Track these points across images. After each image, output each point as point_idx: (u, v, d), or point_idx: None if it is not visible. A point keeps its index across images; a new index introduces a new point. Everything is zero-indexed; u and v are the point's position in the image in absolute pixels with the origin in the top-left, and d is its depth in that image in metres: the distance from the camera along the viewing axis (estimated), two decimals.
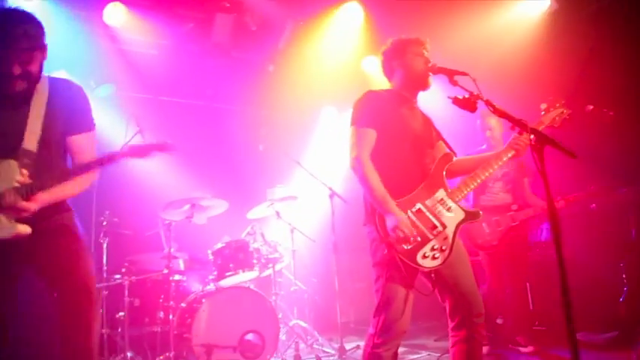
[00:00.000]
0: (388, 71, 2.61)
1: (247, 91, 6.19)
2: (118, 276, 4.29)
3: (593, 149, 4.14)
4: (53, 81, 2.24)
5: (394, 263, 2.25)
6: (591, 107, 3.24)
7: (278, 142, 5.00)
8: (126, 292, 4.15)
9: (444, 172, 2.43)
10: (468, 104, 2.11)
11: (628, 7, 4.48)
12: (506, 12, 5.15)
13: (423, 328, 5.46)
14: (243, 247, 4.26)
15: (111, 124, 5.35)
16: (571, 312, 1.81)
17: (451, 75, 2.24)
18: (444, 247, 2.29)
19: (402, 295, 2.30)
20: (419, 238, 2.25)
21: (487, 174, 2.43)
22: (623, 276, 4.21)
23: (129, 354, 3.95)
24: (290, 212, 5.00)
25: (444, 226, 2.32)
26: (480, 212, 2.43)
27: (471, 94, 2.12)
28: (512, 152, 2.41)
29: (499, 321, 4.46)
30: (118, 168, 4.49)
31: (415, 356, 4.34)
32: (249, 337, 3.88)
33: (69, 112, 2.21)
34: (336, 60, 6.08)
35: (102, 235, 4.20)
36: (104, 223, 4.25)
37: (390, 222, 2.24)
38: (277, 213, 4.74)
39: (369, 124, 2.39)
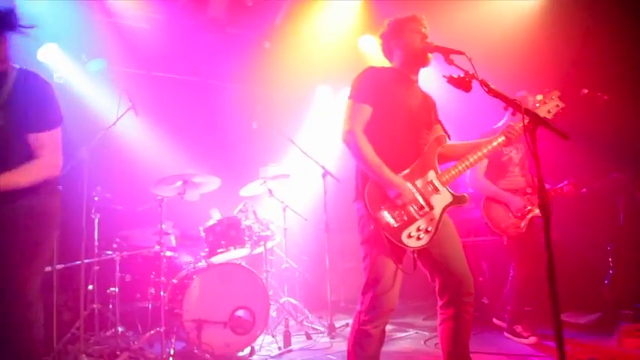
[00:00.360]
0: (388, 52, 2.61)
1: (242, 68, 6.12)
2: (109, 252, 4.30)
3: (586, 133, 4.15)
4: (21, 73, 2.19)
5: (381, 240, 2.27)
6: (586, 91, 3.25)
7: (272, 120, 4.96)
8: (117, 268, 4.15)
9: (436, 154, 2.44)
10: (462, 83, 2.10)
11: None
12: None
13: (411, 307, 5.54)
14: (235, 225, 4.27)
15: (102, 100, 5.32)
16: (557, 293, 1.84)
17: (447, 53, 2.23)
18: (429, 228, 2.31)
19: (389, 272, 2.32)
20: (405, 217, 2.28)
21: (476, 157, 2.44)
22: (610, 259, 4.27)
23: (120, 329, 3.97)
24: (282, 190, 5.00)
25: (431, 208, 2.34)
26: (467, 196, 2.44)
27: (466, 73, 2.11)
28: (503, 139, 2.44)
29: (485, 301, 4.54)
30: (111, 143, 4.51)
31: (403, 334, 4.41)
32: (240, 313, 3.91)
33: (30, 108, 2.17)
34: (332, 38, 6.03)
35: (93, 210, 4.17)
36: (96, 199, 4.22)
37: (391, 191, 2.26)
38: (270, 191, 4.74)
39: (365, 100, 2.39)
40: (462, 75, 2.11)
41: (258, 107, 4.94)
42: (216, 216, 4.69)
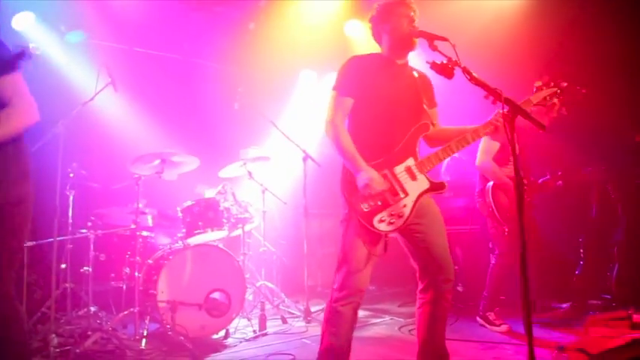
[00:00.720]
0: (377, 36, 2.62)
1: (226, 47, 6.02)
2: (84, 230, 4.22)
3: (563, 125, 4.20)
4: None
5: (354, 222, 2.35)
6: (565, 84, 3.28)
7: (254, 102, 4.90)
8: (91, 247, 4.08)
9: (418, 141, 2.45)
10: (445, 70, 2.09)
11: None
12: None
13: (387, 293, 5.61)
14: (213, 206, 4.23)
15: (80, 73, 5.18)
16: (528, 282, 1.87)
17: (431, 39, 2.22)
18: (401, 214, 2.35)
19: (360, 254, 2.38)
20: (379, 202, 2.33)
21: (461, 148, 2.45)
22: (581, 250, 4.38)
23: (92, 309, 3.92)
24: (262, 173, 4.97)
25: (406, 194, 2.38)
26: (446, 183, 2.46)
27: (449, 59, 2.10)
28: (491, 128, 2.43)
29: (459, 288, 4.61)
30: (88, 118, 4.41)
31: (378, 320, 4.46)
32: (216, 295, 3.89)
33: None
34: (318, 22, 5.95)
35: (68, 187, 4.09)
36: (71, 175, 4.14)
37: (360, 180, 2.31)
38: (249, 173, 4.70)
39: (347, 93, 2.46)
40: (445, 62, 2.11)
41: (241, 88, 4.86)
42: (205, 192, 4.64)
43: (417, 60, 2.51)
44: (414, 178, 2.39)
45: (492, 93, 2.00)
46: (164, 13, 5.54)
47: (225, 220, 4.26)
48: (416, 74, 2.61)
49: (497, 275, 3.93)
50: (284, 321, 4.40)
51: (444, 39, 2.17)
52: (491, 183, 3.87)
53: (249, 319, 4.17)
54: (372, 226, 2.33)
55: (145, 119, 5.54)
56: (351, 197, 2.34)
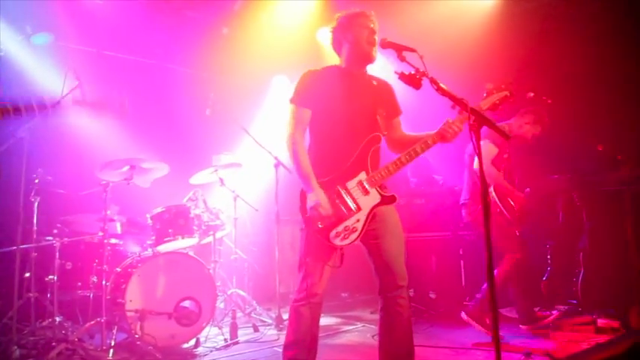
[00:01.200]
0: (337, 46, 2.66)
1: (198, 52, 5.96)
2: (49, 237, 4.10)
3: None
4: None
5: (310, 234, 2.46)
6: (531, 94, 3.37)
7: (226, 108, 4.87)
8: (57, 255, 3.97)
9: (370, 154, 2.49)
10: (413, 80, 2.12)
11: None
12: None
13: (359, 300, 5.63)
14: (183, 213, 4.17)
15: (46, 76, 5.04)
16: (494, 289, 1.90)
17: (399, 50, 2.25)
18: (355, 229, 2.42)
19: (317, 261, 2.46)
20: (334, 218, 2.39)
21: (411, 160, 2.48)
22: (548, 257, 4.47)
23: (57, 319, 3.79)
24: (234, 180, 4.92)
25: (359, 209, 2.44)
26: (396, 196, 2.51)
27: (417, 70, 2.13)
28: (439, 138, 2.45)
29: (432, 295, 4.64)
30: (54, 123, 4.30)
31: (350, 327, 4.47)
32: (186, 304, 3.83)
33: None
34: (291, 28, 5.96)
35: (33, 193, 3.97)
36: (36, 181, 4.02)
37: (309, 200, 2.39)
38: (221, 180, 4.65)
39: (304, 104, 2.53)
40: (412, 72, 2.14)
41: (213, 94, 4.82)
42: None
43: (386, 70, 2.54)
44: (366, 192, 2.45)
45: (459, 103, 2.04)
46: (134, 16, 5.45)
47: (195, 228, 4.20)
48: (375, 82, 2.65)
49: (506, 276, 3.84)
50: (255, 329, 4.36)
51: (412, 50, 2.20)
52: (492, 187, 3.85)
53: (220, 328, 4.12)
54: (328, 240, 2.40)
55: (114, 124, 5.42)
56: (307, 213, 2.40)
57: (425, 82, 2.13)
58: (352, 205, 2.43)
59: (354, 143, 2.48)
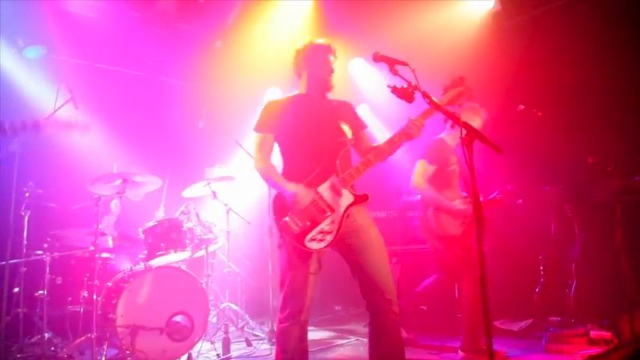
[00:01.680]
0: (297, 70, 2.81)
1: (191, 65, 5.98)
2: (39, 252, 4.06)
3: (521, 147, 4.34)
4: None
5: (286, 246, 2.49)
6: (522, 107, 3.41)
7: (219, 121, 4.87)
8: (47, 269, 3.93)
9: (339, 158, 2.55)
10: (405, 94, 2.14)
11: (570, 13, 4.71)
12: (452, 8, 5.26)
13: (352, 314, 5.59)
14: (176, 227, 4.14)
15: (39, 89, 5.02)
16: (487, 301, 1.90)
17: (392, 64, 2.27)
18: (330, 230, 2.45)
19: (297, 273, 2.48)
20: (308, 223, 2.43)
21: (380, 160, 2.55)
22: (541, 268, 4.49)
23: (47, 335, 3.74)
24: (227, 193, 4.91)
25: (332, 211, 2.48)
26: (368, 195, 2.55)
27: (409, 84, 2.15)
28: (405, 136, 2.52)
29: (424, 308, 4.62)
30: (46, 136, 4.27)
31: (344, 341, 4.44)
32: (178, 318, 3.79)
33: None
34: (284, 41, 5.99)
35: (23, 207, 3.93)
36: (27, 195, 3.99)
37: (288, 196, 2.44)
38: (214, 193, 4.63)
39: (266, 130, 2.68)
40: (405, 86, 2.15)
41: (206, 107, 4.83)
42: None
43: (380, 84, 2.58)
44: (338, 193, 2.49)
45: (450, 116, 2.05)
46: (127, 29, 5.48)
47: (188, 241, 4.17)
48: (335, 104, 2.77)
49: (469, 300, 3.57)
50: (248, 343, 4.31)
51: (404, 64, 2.22)
52: (431, 209, 3.66)
53: (212, 343, 4.08)
54: (304, 245, 2.42)
55: (107, 138, 5.41)
56: (281, 221, 2.44)
57: (417, 95, 2.14)
58: (325, 208, 2.47)
59: (320, 152, 2.56)
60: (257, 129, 2.71)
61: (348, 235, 2.51)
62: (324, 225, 2.45)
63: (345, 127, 2.66)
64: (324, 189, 2.50)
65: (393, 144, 2.54)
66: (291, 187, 2.46)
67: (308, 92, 2.74)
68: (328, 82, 2.69)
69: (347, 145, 2.61)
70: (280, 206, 2.49)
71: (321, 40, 2.75)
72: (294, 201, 2.42)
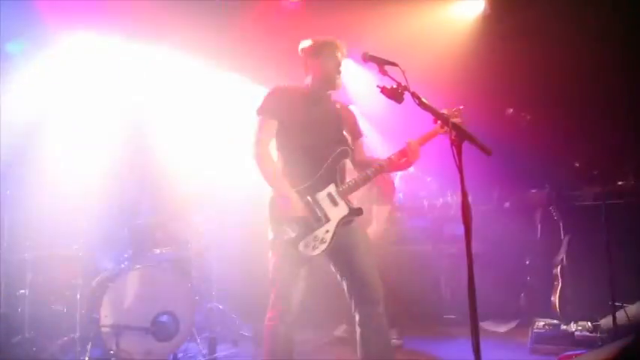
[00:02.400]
0: (305, 68, 2.74)
1: None
2: (20, 250, 3.97)
3: (509, 150, 4.36)
4: None
5: (279, 247, 2.47)
6: (511, 110, 3.43)
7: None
8: (29, 268, 3.85)
9: (339, 167, 2.56)
10: (394, 95, 2.12)
11: (561, 17, 4.74)
12: (442, 11, 5.28)
13: (340, 315, 5.54)
14: (161, 225, 4.10)
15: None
16: (475, 302, 1.89)
17: (381, 64, 2.25)
18: (324, 239, 2.44)
19: (285, 276, 2.48)
20: (304, 228, 2.43)
21: (377, 175, 2.57)
22: (527, 270, 4.52)
23: (28, 335, 3.67)
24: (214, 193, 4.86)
25: (328, 220, 2.47)
26: (362, 209, 2.55)
27: (399, 84, 2.14)
28: (404, 159, 2.55)
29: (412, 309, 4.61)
30: None
31: (332, 341, 4.41)
32: (163, 318, 3.74)
33: None
34: (272, 41, 5.95)
35: (5, 204, 3.86)
36: (7, 192, 3.91)
37: (280, 200, 2.43)
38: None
39: (271, 116, 2.57)
40: (394, 86, 2.14)
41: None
42: None
43: (368, 84, 2.58)
44: (335, 204, 2.50)
45: (440, 117, 2.05)
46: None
47: (174, 240, 4.13)
48: (338, 106, 2.75)
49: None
50: (235, 344, 4.27)
51: (394, 64, 2.20)
52: None
53: (198, 343, 4.03)
54: (298, 250, 2.42)
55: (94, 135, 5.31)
56: (277, 224, 2.45)
57: (407, 96, 2.13)
58: (322, 216, 2.46)
59: (322, 157, 2.54)
60: (262, 112, 2.59)
61: (338, 236, 2.50)
62: (319, 232, 2.44)
63: (346, 135, 2.66)
64: (322, 197, 2.49)
65: (392, 164, 2.56)
66: (289, 191, 2.44)
67: (314, 89, 2.68)
68: (335, 81, 2.62)
69: (349, 154, 2.61)
70: (277, 207, 2.47)
71: (328, 38, 2.68)
72: (290, 206, 2.41)
